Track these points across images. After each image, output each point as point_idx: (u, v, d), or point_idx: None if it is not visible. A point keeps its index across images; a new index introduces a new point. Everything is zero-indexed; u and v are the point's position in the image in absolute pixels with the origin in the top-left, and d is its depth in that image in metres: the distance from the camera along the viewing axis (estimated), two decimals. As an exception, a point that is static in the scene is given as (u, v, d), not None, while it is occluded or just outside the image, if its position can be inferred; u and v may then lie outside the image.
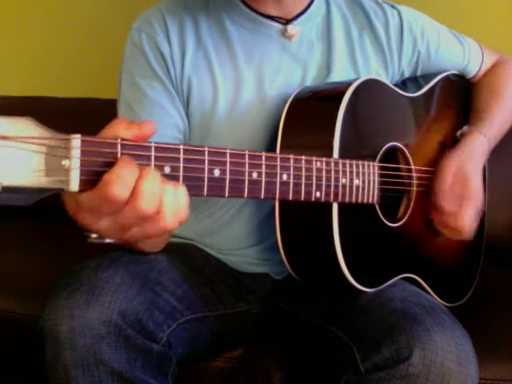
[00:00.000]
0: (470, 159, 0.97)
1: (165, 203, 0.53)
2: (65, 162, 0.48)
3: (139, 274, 0.82)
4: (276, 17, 0.97)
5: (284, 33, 0.97)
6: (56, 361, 0.74)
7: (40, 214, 1.50)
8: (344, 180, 0.77)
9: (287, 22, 0.97)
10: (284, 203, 0.82)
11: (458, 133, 1.03)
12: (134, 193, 0.52)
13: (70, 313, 0.73)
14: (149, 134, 0.55)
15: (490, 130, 1.02)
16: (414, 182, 0.95)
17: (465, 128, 1.03)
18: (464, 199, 0.93)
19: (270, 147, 0.87)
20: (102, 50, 1.80)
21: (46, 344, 0.75)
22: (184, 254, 0.97)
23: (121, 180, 0.51)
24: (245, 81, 0.94)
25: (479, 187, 0.96)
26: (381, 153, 0.87)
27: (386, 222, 0.88)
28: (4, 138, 0.44)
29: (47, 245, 1.41)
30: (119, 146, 0.52)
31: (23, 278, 1.23)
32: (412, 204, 0.94)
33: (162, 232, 0.56)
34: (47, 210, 1.46)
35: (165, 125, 0.91)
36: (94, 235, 0.57)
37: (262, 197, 0.65)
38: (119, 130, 0.54)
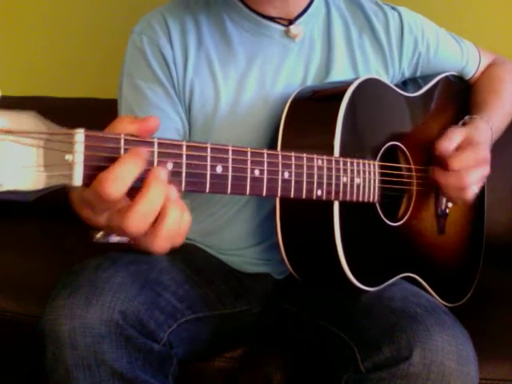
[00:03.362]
0: (478, 133, 0.96)
1: (168, 212, 0.54)
2: (68, 157, 0.48)
3: (140, 274, 0.82)
4: (277, 18, 0.97)
5: (287, 33, 0.97)
6: (56, 361, 0.74)
7: (40, 214, 1.50)
8: (345, 178, 0.77)
9: (289, 22, 0.97)
10: (285, 202, 0.82)
11: (460, 122, 1.03)
12: (137, 198, 0.52)
13: (70, 313, 0.73)
14: (154, 127, 0.55)
15: (490, 120, 1.02)
16: (414, 181, 0.95)
17: (466, 117, 1.03)
18: (465, 148, 0.91)
19: (272, 147, 0.87)
20: (101, 50, 1.80)
21: (46, 344, 0.75)
22: (184, 254, 0.97)
23: (116, 178, 0.50)
24: (246, 81, 0.94)
25: (487, 154, 0.94)
26: (381, 152, 0.87)
27: (387, 221, 0.88)
28: (7, 132, 0.44)
29: (48, 245, 1.41)
30: (122, 141, 0.52)
31: (23, 278, 1.22)
32: (412, 203, 0.94)
33: (165, 239, 0.56)
34: (48, 210, 1.47)
35: (165, 129, 0.90)
36: (98, 235, 0.58)
37: (264, 194, 0.65)
38: (124, 125, 0.54)
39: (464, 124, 1.01)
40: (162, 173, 0.53)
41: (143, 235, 0.55)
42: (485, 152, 0.94)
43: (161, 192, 0.53)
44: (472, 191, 0.91)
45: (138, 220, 0.53)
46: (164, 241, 0.55)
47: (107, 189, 0.50)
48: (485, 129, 1.00)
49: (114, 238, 0.59)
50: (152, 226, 0.54)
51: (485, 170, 0.93)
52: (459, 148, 0.92)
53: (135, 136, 0.54)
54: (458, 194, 0.92)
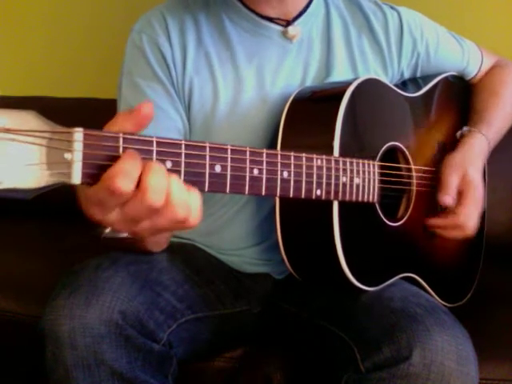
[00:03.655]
0: (472, 161, 0.97)
1: (172, 194, 0.54)
2: (67, 155, 0.48)
3: (139, 274, 0.82)
4: (275, 18, 0.97)
5: (285, 34, 0.97)
6: (56, 361, 0.74)
7: (40, 214, 1.50)
8: (344, 178, 0.77)
9: (287, 23, 0.97)
10: (284, 202, 0.82)
11: (458, 133, 1.03)
12: (140, 187, 0.52)
13: (70, 313, 0.73)
14: (149, 114, 0.54)
15: (489, 130, 1.03)
16: (414, 181, 0.95)
17: (465, 129, 1.03)
18: (467, 198, 0.93)
19: (271, 148, 0.87)
20: (101, 50, 1.81)
21: (46, 344, 0.75)
22: (184, 254, 0.97)
23: (125, 173, 0.51)
24: (245, 81, 0.94)
25: (481, 187, 0.96)
26: (381, 152, 0.87)
27: (386, 221, 0.88)
28: (6, 130, 0.45)
29: (48, 245, 1.41)
30: (121, 139, 0.53)
31: (23, 278, 1.23)
32: (412, 203, 0.94)
33: (174, 224, 0.56)
34: (48, 210, 1.47)
35: (166, 128, 0.90)
36: (107, 230, 0.58)
37: (263, 194, 0.65)
38: (122, 123, 0.54)
39: (462, 135, 1.02)
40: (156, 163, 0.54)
41: (154, 219, 0.55)
42: (479, 189, 0.96)
43: (162, 171, 0.53)
44: (473, 228, 0.95)
45: (149, 200, 0.53)
46: (175, 216, 0.55)
47: (117, 183, 0.51)
48: (480, 146, 1.01)
49: (123, 233, 0.59)
50: (162, 207, 0.54)
51: (481, 205, 0.95)
52: (458, 194, 0.94)
53: (134, 134, 0.54)
54: (463, 235, 0.96)
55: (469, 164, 0.96)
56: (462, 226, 0.94)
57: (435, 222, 0.96)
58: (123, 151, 0.52)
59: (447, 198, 0.93)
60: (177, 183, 0.54)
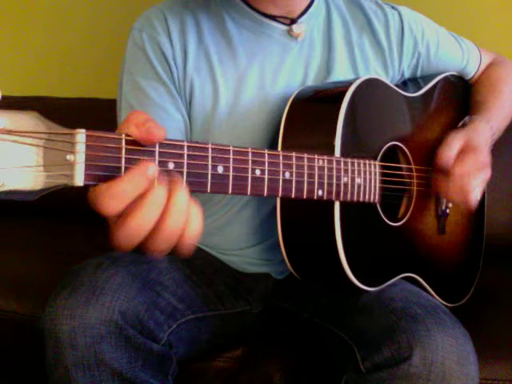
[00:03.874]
0: (477, 135, 0.95)
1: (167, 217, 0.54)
2: (70, 157, 0.48)
3: (140, 273, 0.82)
4: (279, 16, 0.96)
5: (290, 32, 0.97)
6: (56, 361, 0.74)
7: (40, 214, 1.50)
8: (346, 178, 0.77)
9: (291, 21, 0.97)
10: (286, 202, 0.82)
11: (460, 123, 1.03)
12: (131, 208, 0.52)
13: (70, 312, 0.73)
14: (156, 139, 0.54)
15: (491, 121, 1.02)
16: (415, 181, 0.95)
17: (466, 118, 1.03)
18: (465, 158, 0.91)
19: (272, 148, 0.87)
20: (101, 50, 1.80)
21: (46, 344, 0.75)
22: (185, 254, 0.97)
23: (114, 197, 0.51)
24: (246, 81, 0.94)
25: (487, 157, 0.94)
26: (382, 152, 0.87)
27: (387, 222, 0.88)
28: (8, 132, 0.44)
29: (47, 245, 1.41)
30: (124, 141, 0.52)
31: (23, 278, 1.23)
32: (413, 203, 0.94)
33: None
34: (48, 210, 1.47)
35: (168, 129, 0.89)
36: None
37: (265, 194, 0.65)
38: (129, 126, 0.53)
39: (464, 125, 1.01)
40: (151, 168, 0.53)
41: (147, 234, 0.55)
42: (484, 156, 0.94)
43: (162, 189, 0.53)
44: (474, 196, 0.91)
45: (142, 217, 0.53)
46: (167, 238, 0.56)
47: (104, 205, 0.51)
48: (484, 129, 0.99)
49: None
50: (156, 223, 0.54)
51: (485, 174, 0.93)
52: (460, 154, 0.92)
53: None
54: (461, 199, 0.92)
55: (472, 135, 0.94)
56: (461, 186, 0.90)
57: (435, 180, 0.93)
58: (126, 152, 0.52)
59: (445, 152, 0.91)
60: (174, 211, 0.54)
